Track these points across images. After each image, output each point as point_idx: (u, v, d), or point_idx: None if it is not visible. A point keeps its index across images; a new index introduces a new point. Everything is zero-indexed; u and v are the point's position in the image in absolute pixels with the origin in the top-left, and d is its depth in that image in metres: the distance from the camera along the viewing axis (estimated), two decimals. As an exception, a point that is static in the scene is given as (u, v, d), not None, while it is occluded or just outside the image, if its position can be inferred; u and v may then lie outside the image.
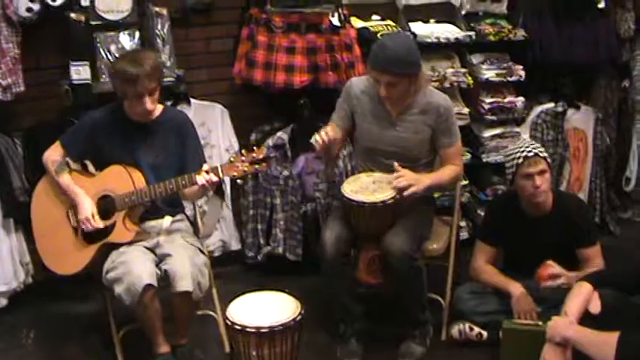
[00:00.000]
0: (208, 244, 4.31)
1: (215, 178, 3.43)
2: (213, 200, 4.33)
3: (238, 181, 3.83)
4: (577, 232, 3.75)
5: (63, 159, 3.61)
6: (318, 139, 3.54)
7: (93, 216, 3.52)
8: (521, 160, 3.69)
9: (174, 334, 3.62)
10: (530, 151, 3.70)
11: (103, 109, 3.66)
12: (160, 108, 3.63)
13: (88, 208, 3.54)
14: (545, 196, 3.72)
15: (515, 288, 3.72)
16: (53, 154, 3.64)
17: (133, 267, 3.39)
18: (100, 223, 3.53)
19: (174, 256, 3.46)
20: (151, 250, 3.57)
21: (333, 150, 3.74)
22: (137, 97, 3.46)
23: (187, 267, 3.42)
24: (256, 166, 3.45)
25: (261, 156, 3.46)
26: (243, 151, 3.49)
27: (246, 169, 3.44)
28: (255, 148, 3.52)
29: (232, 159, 3.46)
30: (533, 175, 3.66)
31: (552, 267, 3.63)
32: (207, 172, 3.43)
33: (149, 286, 3.36)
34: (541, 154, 3.70)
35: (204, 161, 3.62)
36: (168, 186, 3.49)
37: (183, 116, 3.79)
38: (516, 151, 3.75)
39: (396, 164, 3.61)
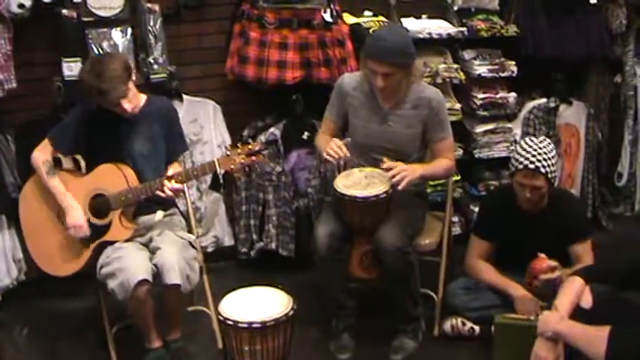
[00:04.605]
0: (201, 240, 4.32)
1: (178, 186, 3.48)
2: (208, 195, 4.38)
3: (236, 175, 3.84)
4: (570, 228, 3.75)
5: (53, 159, 3.59)
6: (332, 153, 3.58)
7: (82, 224, 3.52)
8: (521, 167, 3.61)
9: (167, 329, 3.63)
10: (532, 163, 3.58)
11: (89, 102, 3.59)
12: (143, 98, 3.63)
13: (76, 214, 3.54)
14: (536, 204, 3.70)
15: (516, 289, 3.68)
16: (42, 154, 3.61)
17: (128, 263, 3.40)
18: (88, 232, 3.53)
19: (163, 249, 3.47)
20: (145, 245, 3.58)
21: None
22: (114, 105, 3.47)
23: (175, 260, 3.43)
24: (253, 158, 3.48)
25: (256, 148, 3.50)
26: (238, 145, 3.52)
27: (242, 160, 3.46)
28: (250, 141, 3.54)
29: (228, 153, 3.49)
30: (527, 187, 3.64)
31: (546, 260, 3.62)
32: (169, 178, 3.47)
33: (143, 281, 3.37)
34: (542, 170, 3.58)
35: (187, 148, 3.82)
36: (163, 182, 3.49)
37: (167, 103, 3.82)
38: (524, 152, 3.62)
39: (384, 158, 3.61)
